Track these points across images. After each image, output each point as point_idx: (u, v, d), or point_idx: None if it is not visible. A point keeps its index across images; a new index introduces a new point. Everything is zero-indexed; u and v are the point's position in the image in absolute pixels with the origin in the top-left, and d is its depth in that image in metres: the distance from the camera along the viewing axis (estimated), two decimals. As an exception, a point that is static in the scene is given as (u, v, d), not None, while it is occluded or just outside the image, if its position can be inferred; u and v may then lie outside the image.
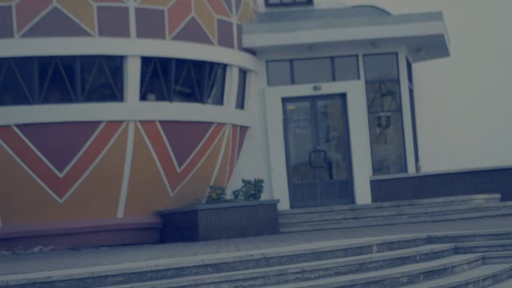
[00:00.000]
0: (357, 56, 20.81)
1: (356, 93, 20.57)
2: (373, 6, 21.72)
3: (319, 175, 20.56)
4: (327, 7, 21.90)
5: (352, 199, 20.34)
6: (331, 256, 10.39)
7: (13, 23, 16.89)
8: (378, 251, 10.98)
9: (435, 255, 11.35)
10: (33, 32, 16.97)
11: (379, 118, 21.07)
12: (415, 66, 23.09)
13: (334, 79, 20.78)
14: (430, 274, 10.36)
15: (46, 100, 17.08)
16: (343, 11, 21.46)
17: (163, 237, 18.35)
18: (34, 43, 16.97)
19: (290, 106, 20.71)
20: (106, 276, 9.09)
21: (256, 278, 9.45)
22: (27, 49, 16.96)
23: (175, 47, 18.22)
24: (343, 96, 20.69)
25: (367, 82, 20.82)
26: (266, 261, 9.87)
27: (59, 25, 17.07)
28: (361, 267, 10.21)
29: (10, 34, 16.91)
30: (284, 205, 19.72)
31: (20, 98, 17.00)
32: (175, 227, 17.89)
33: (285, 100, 20.61)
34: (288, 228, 18.19)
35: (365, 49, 20.74)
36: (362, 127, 20.50)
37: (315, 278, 9.76)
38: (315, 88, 20.57)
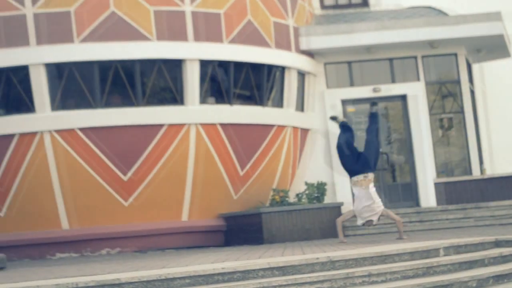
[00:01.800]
0: (416, 57, 20.67)
1: (416, 94, 20.44)
2: (430, 7, 21.55)
3: (382, 177, 20.45)
4: (383, 9, 21.78)
5: (416, 202, 20.18)
6: (398, 259, 10.30)
7: (72, 28, 17.07)
8: (445, 255, 10.86)
9: (504, 258, 11.17)
10: (93, 37, 17.14)
11: (441, 120, 20.89)
12: (481, 66, 22.82)
13: (393, 81, 20.68)
14: (499, 278, 10.21)
15: (107, 104, 17.24)
16: (399, 12, 21.32)
17: (227, 240, 18.39)
18: (94, 47, 17.14)
19: (350, 109, 20.64)
20: (174, 279, 9.14)
21: (323, 281, 9.42)
22: (88, 54, 17.13)
23: (233, 50, 18.27)
24: (403, 98, 20.57)
25: (427, 84, 20.68)
26: (332, 264, 9.83)
27: (117, 29, 17.22)
28: (428, 271, 10.10)
29: (70, 39, 17.09)
30: (348, 208, 19.62)
31: (83, 102, 17.19)
32: (239, 230, 17.91)
33: (344, 102, 20.55)
34: (352, 231, 18.07)
35: (424, 50, 20.60)
36: (424, 129, 20.35)
37: (382, 281, 9.69)
38: (374, 90, 20.48)
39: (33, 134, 16.95)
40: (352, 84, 20.71)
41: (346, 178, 20.15)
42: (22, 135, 16.96)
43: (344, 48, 20.23)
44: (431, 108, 20.68)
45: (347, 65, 20.74)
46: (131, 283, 8.96)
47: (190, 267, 9.72)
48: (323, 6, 21.92)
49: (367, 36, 20.05)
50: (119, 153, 17.10)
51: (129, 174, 17.24)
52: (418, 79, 20.63)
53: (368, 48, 20.35)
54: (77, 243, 17.15)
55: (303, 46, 19.96)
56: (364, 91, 20.51)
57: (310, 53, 20.25)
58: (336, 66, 20.70)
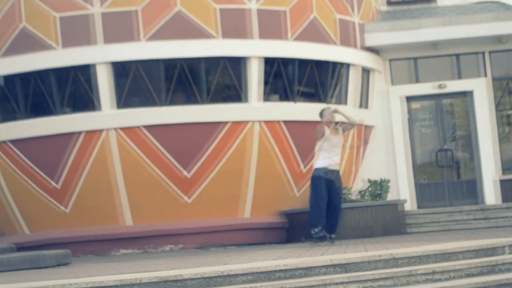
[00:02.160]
0: (483, 53, 20.40)
1: (482, 90, 20.18)
2: (497, 2, 21.24)
3: (446, 174, 20.25)
4: (450, 4, 21.53)
5: (480, 199, 19.93)
6: (461, 257, 10.17)
7: (139, 27, 17.24)
8: (510, 253, 10.69)
9: None
10: (158, 36, 17.28)
11: (508, 116, 20.60)
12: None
13: (459, 77, 20.45)
14: None
15: (172, 102, 17.38)
16: (466, 8, 21.06)
17: (289, 236, 18.39)
18: (159, 46, 17.27)
19: (415, 105, 20.49)
20: (236, 275, 9.17)
21: (385, 278, 9.36)
22: (153, 52, 17.27)
23: (297, 48, 18.25)
24: (469, 94, 20.32)
25: (493, 80, 20.39)
26: (395, 261, 9.76)
27: (182, 28, 17.33)
28: (493, 269, 9.96)
29: (136, 38, 17.27)
30: (410, 205, 19.51)
31: (147, 100, 17.35)
32: (300, 227, 17.88)
33: (409, 99, 20.39)
34: (415, 229, 17.95)
35: (491, 46, 20.33)
36: (489, 125, 20.09)
37: (446, 279, 9.59)
38: (439, 87, 20.28)
39: (99, 132, 17.15)
40: (417, 80, 20.54)
41: (409, 176, 20.16)
42: (88, 133, 17.18)
43: (409, 44, 20.07)
44: (497, 105, 20.40)
45: (412, 62, 20.58)
46: (193, 279, 9.02)
47: (252, 264, 9.74)
48: (389, 2, 21.77)
49: (433, 32, 19.85)
50: (182, 151, 17.21)
51: (192, 171, 17.34)
52: (485, 75, 20.37)
53: (434, 44, 20.17)
54: (140, 240, 17.30)
55: (368, 42, 19.85)
56: (429, 88, 20.32)
57: (375, 50, 20.14)
58: (401, 62, 20.55)
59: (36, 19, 17.39)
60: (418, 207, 19.82)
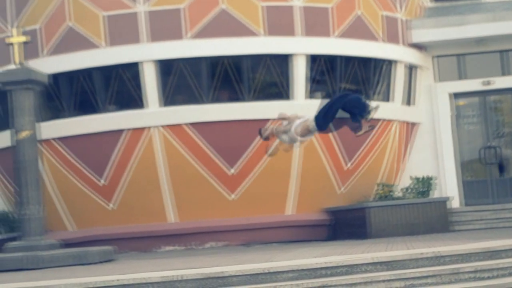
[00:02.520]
0: (530, 49, 20.20)
1: (529, 87, 19.97)
2: (545, -3, 20.97)
3: (491, 172, 20.05)
4: (496, 0, 21.29)
5: (526, 197, 19.73)
6: (505, 255, 10.08)
7: (182, 25, 17.32)
8: (555, 251, 10.57)
9: None
10: (202, 34, 17.33)
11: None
12: None
13: (504, 73, 20.22)
14: None
15: (216, 99, 17.43)
16: (513, 4, 20.82)
17: (331, 234, 18.35)
18: (204, 44, 17.33)
19: (459, 102, 20.30)
20: (278, 272, 9.20)
21: (428, 277, 9.33)
22: (197, 50, 17.34)
23: (342, 45, 18.19)
24: (515, 90, 20.13)
25: (540, 77, 20.16)
26: (438, 259, 9.71)
27: (226, 26, 17.37)
28: (538, 268, 9.87)
29: (180, 36, 17.34)
30: (454, 202, 19.33)
31: (192, 98, 17.41)
32: (343, 224, 17.85)
33: (455, 96, 20.21)
34: (459, 226, 17.79)
35: (539, 41, 20.10)
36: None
37: (489, 278, 9.52)
38: (486, 83, 20.07)
39: (143, 129, 17.26)
40: (462, 77, 20.34)
41: (454, 173, 19.99)
42: (133, 130, 17.30)
43: (455, 41, 19.89)
44: (543, 101, 20.19)
45: (457, 58, 20.38)
46: (236, 276, 9.06)
47: (294, 261, 9.75)
48: (435, -2, 21.61)
49: (479, 28, 19.67)
50: (227, 148, 17.25)
51: (235, 168, 17.38)
52: (532, 71, 20.18)
53: (480, 40, 19.97)
54: (183, 237, 17.36)
55: (414, 39, 19.71)
56: (474, 84, 20.13)
57: (419, 46, 19.99)
58: (447, 59, 20.37)
59: (84, 18, 17.55)
60: (463, 204, 19.66)
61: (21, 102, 13.94)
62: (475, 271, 9.51)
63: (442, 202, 17.79)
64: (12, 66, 15.13)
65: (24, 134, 13.79)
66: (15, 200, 14.21)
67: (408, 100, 19.87)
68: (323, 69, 18.12)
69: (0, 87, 14.71)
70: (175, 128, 17.20)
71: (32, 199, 13.61)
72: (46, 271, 11.67)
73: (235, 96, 17.52)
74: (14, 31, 14.35)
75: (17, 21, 17.92)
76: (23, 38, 14.30)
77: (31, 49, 16.77)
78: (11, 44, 14.41)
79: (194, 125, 17.22)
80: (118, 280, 8.82)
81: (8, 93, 14.34)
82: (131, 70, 17.43)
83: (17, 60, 14.22)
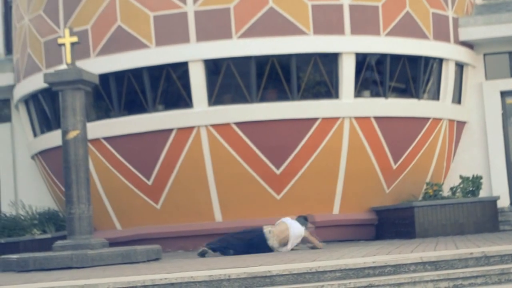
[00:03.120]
0: None
1: None
2: None
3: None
4: (549, -4, 21.06)
5: None
6: (555, 255, 9.97)
7: (231, 24, 17.38)
8: None
9: None
10: (251, 33, 17.37)
11: None
12: None
13: (556, 71, 20.03)
14: None
15: (263, 99, 17.47)
16: None
17: (378, 233, 18.30)
18: (252, 43, 17.36)
19: (510, 100, 20.11)
20: (324, 272, 9.17)
21: (477, 277, 9.24)
22: (245, 49, 17.37)
23: (390, 43, 18.10)
24: None
25: None
26: (486, 259, 9.61)
27: (275, 24, 17.39)
28: None
29: (228, 35, 17.40)
30: (504, 202, 19.17)
31: (238, 97, 17.47)
32: (390, 223, 17.77)
33: (504, 94, 20.03)
34: (509, 226, 17.64)
35: None
36: None
37: (539, 278, 9.42)
38: (534, 82, 19.89)
39: (190, 128, 17.34)
40: (512, 75, 20.18)
41: (503, 172, 19.78)
42: (180, 130, 17.40)
43: (505, 38, 19.71)
44: None
45: (508, 56, 20.19)
46: (282, 275, 9.06)
47: (340, 261, 9.73)
48: (484, -4, 21.42)
49: (530, 26, 19.45)
50: (273, 147, 17.28)
51: (282, 167, 17.39)
52: None
53: (531, 38, 19.77)
54: (230, 236, 17.47)
55: (463, 37, 19.55)
56: (523, 83, 19.97)
57: (469, 44, 19.83)
58: (496, 56, 20.18)
59: (131, 18, 17.70)
60: (512, 204, 19.51)
61: (72, 102, 14.08)
62: (524, 272, 9.40)
63: (491, 202, 17.63)
64: (61, 67, 15.31)
65: (74, 133, 13.94)
66: (64, 199, 14.36)
67: (458, 98, 19.73)
68: (370, 67, 18.07)
69: (50, 87, 14.89)
70: (222, 127, 17.26)
71: (81, 198, 13.75)
72: (94, 270, 11.78)
73: (282, 96, 17.54)
74: (66, 31, 14.50)
75: (67, 22, 18.15)
76: (74, 39, 14.45)
77: (81, 49, 17.00)
78: (63, 44, 14.56)
79: (240, 124, 17.27)
80: (166, 278, 8.88)
81: (60, 93, 14.49)
82: (179, 69, 17.55)
83: (68, 60, 14.37)
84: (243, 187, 17.31)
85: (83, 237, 13.57)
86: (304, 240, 14.80)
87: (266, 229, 14.52)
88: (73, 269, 12.35)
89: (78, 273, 11.01)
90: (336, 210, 17.89)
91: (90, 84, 14.56)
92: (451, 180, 19.14)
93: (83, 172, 13.83)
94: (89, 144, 15.75)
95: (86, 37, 17.81)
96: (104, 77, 17.33)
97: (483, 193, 18.66)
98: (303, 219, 14.87)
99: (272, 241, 14.36)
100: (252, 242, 14.37)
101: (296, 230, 14.54)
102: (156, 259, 13.89)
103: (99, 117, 18.09)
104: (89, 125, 15.12)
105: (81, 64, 16.12)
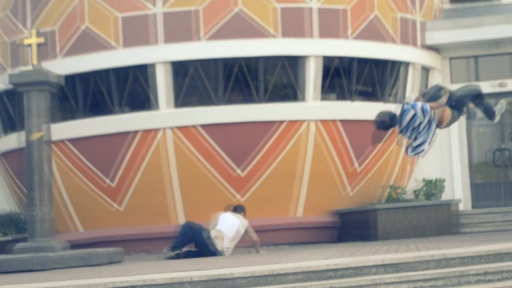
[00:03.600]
0: (544, 51, 20.13)
1: (544, 89, 19.89)
2: None
3: (503, 174, 19.98)
4: (515, 1, 21.24)
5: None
6: (515, 257, 10.05)
7: (199, 26, 17.36)
8: None
9: None
10: (218, 35, 17.36)
11: None
12: None
13: (520, 75, 20.20)
14: None
15: (229, 101, 17.46)
16: (531, 5, 20.75)
17: (341, 236, 18.35)
18: (219, 45, 17.36)
19: (473, 104, 20.20)
20: (286, 274, 9.16)
21: (437, 279, 9.27)
22: (212, 52, 17.38)
23: (357, 47, 18.18)
24: (530, 93, 20.05)
25: (556, 78, 20.10)
26: (447, 262, 9.65)
27: (242, 27, 17.40)
28: (547, 270, 9.81)
29: (196, 38, 17.38)
30: (465, 205, 19.30)
31: (204, 99, 17.46)
32: (353, 226, 17.83)
33: (469, 98, 20.14)
34: (470, 229, 17.78)
35: (556, 43, 20.01)
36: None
37: (498, 280, 9.45)
38: (500, 85, 20.02)
39: (156, 130, 17.31)
40: (477, 79, 20.29)
41: (465, 175, 19.88)
42: (144, 132, 17.36)
43: (471, 43, 19.86)
44: (558, 104, 20.09)
45: (473, 60, 20.34)
46: (244, 277, 9.03)
47: (303, 263, 9.73)
48: (451, 0, 21.54)
49: (496, 30, 19.63)
50: (237, 150, 17.28)
51: (247, 170, 17.40)
52: (547, 74, 20.10)
53: (496, 42, 19.93)
54: (191, 238, 17.43)
55: (430, 41, 19.68)
56: (488, 86, 20.01)
57: (435, 48, 19.96)
58: (461, 61, 20.34)
59: (99, 20, 17.63)
60: (473, 207, 19.61)
61: (36, 103, 13.98)
62: (484, 273, 9.44)
63: (453, 204, 17.76)
64: (23, 68, 15.21)
65: (37, 135, 13.85)
66: (26, 201, 14.26)
67: (422, 102, 19.80)
68: (336, 71, 18.11)
69: (12, 88, 14.78)
70: (186, 129, 17.25)
71: (43, 200, 13.66)
72: (55, 272, 11.70)
73: (248, 98, 17.55)
74: (33, 32, 14.42)
75: (34, 23, 18.04)
76: (40, 40, 14.37)
77: (47, 50, 16.90)
78: (28, 45, 14.47)
79: (206, 126, 17.27)
80: (127, 281, 8.83)
81: (24, 94, 14.38)
82: (145, 71, 17.51)
83: (34, 61, 14.28)
84: (207, 189, 17.28)
85: (44, 239, 13.46)
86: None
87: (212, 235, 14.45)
88: (34, 272, 12.26)
89: (39, 276, 10.94)
90: (299, 212, 17.92)
91: (55, 85, 14.48)
92: (413, 183, 19.23)
93: (46, 174, 13.73)
94: (53, 146, 15.65)
95: (52, 38, 17.72)
96: (69, 78, 17.24)
97: (445, 196, 18.78)
98: (239, 208, 14.87)
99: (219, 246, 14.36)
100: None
101: (229, 223, 14.50)
102: (118, 262, 13.81)
103: (63, 119, 17.99)
104: (54, 127, 15.02)
105: (47, 65, 16.02)
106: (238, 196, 17.44)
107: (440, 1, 20.83)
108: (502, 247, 10.15)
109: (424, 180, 18.43)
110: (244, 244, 15.12)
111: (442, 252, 9.83)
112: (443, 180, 18.28)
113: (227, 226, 14.46)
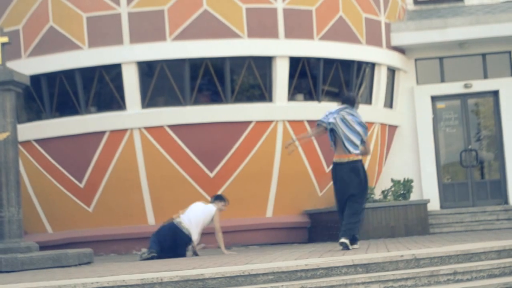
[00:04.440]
0: (509, 52, 20.31)
1: (509, 90, 20.08)
2: (526, 1, 21.11)
3: (471, 174, 20.17)
4: (478, 3, 21.43)
5: (505, 200, 19.83)
6: (484, 258, 10.12)
7: (165, 26, 17.31)
8: (533, 254, 10.64)
9: None
10: (185, 35, 17.33)
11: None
12: None
13: (485, 76, 20.36)
14: None
15: (196, 101, 17.45)
16: (495, 7, 20.93)
17: (311, 236, 18.41)
18: (186, 45, 17.33)
19: (440, 105, 20.42)
20: (257, 275, 9.17)
21: (407, 279, 9.33)
22: (179, 52, 17.32)
23: (323, 47, 18.24)
24: (495, 93, 20.23)
25: (521, 79, 20.32)
26: (416, 262, 9.73)
27: (209, 27, 17.38)
28: (515, 270, 9.93)
29: (162, 38, 17.33)
30: (434, 205, 19.44)
31: (172, 100, 17.42)
32: (323, 226, 17.88)
33: (434, 99, 20.34)
34: (438, 229, 17.90)
35: (519, 45, 20.24)
36: (516, 125, 20.02)
37: (467, 280, 9.55)
38: (465, 86, 20.20)
39: (123, 131, 17.24)
40: (442, 80, 20.47)
41: (433, 175, 20.05)
42: (112, 132, 17.28)
43: (436, 44, 20.01)
44: (523, 104, 20.32)
45: (438, 61, 20.51)
46: (214, 278, 9.02)
47: (273, 264, 9.75)
48: (416, 2, 21.72)
49: (461, 31, 19.79)
50: (206, 150, 17.26)
51: (216, 170, 17.39)
52: (511, 75, 20.25)
53: (461, 44, 20.09)
54: (161, 238, 17.39)
55: (395, 42, 19.80)
56: (454, 87, 20.26)
57: (401, 49, 20.09)
58: (427, 62, 20.49)
59: (64, 19, 17.52)
60: (441, 207, 19.78)
61: (1, 103, 13.80)
62: (453, 273, 9.53)
63: (422, 205, 17.88)
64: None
65: (3, 135, 13.71)
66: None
67: (390, 103, 19.96)
68: (304, 71, 18.17)
69: None
70: (154, 130, 17.19)
71: (11, 201, 13.51)
72: (24, 274, 11.60)
73: (216, 99, 17.54)
74: (-3, 31, 14.26)
75: (-3, 22, 17.91)
76: (5, 39, 14.20)
77: (12, 50, 16.73)
78: (-7, 44, 14.30)
79: (174, 127, 17.23)
80: (97, 282, 8.78)
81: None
82: (112, 71, 17.43)
83: (-1, 61, 14.12)
84: (176, 190, 17.25)
85: (12, 240, 13.32)
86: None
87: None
88: (2, 273, 12.14)
89: (7, 277, 10.84)
90: (269, 213, 17.94)
91: (21, 85, 14.33)
92: (383, 184, 19.36)
93: (13, 174, 13.59)
94: (20, 146, 15.52)
95: (17, 37, 17.57)
96: (35, 78, 17.13)
97: (414, 196, 18.91)
98: (220, 197, 14.87)
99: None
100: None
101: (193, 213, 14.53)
102: (88, 263, 13.73)
103: (30, 119, 17.88)
104: (20, 127, 14.91)
105: (12, 65, 15.89)
106: (207, 197, 17.42)
107: (404, 3, 20.96)
108: (471, 247, 10.26)
109: (392, 180, 18.54)
110: (215, 246, 15.10)
111: (412, 252, 9.90)
112: (411, 181, 18.41)
113: (192, 216, 14.48)
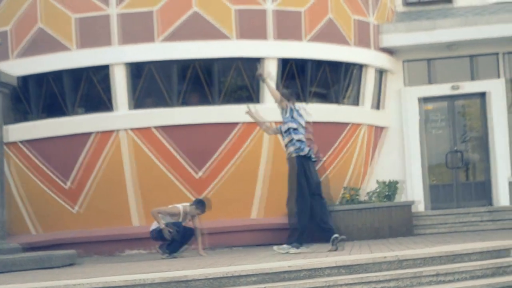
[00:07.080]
0: (497, 54, 20.33)
1: (496, 92, 20.11)
2: (515, 3, 21.13)
3: (456, 176, 20.22)
4: (467, 5, 21.45)
5: (489, 201, 19.88)
6: (467, 259, 10.18)
7: (154, 27, 17.32)
8: (515, 255, 10.70)
9: None
10: (174, 36, 17.33)
11: (522, 117, 20.52)
12: None
13: (473, 78, 20.40)
14: None
15: (185, 103, 17.45)
16: (484, 8, 20.96)
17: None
18: (175, 47, 17.32)
19: (427, 106, 20.46)
20: (240, 276, 9.20)
21: (390, 280, 9.38)
22: (168, 53, 17.32)
23: (313, 49, 18.25)
24: (482, 95, 20.27)
25: (507, 81, 20.32)
26: (399, 263, 9.77)
27: (199, 29, 17.38)
28: (498, 271, 9.97)
29: (151, 39, 17.33)
30: (419, 206, 19.48)
31: (161, 101, 17.42)
32: (309, 228, 17.87)
33: (422, 100, 20.37)
34: (423, 230, 17.94)
35: (507, 47, 20.23)
36: (502, 127, 20.01)
37: (450, 281, 9.61)
38: (453, 88, 20.24)
39: (110, 132, 17.22)
40: (430, 81, 20.50)
41: (419, 177, 20.08)
42: (100, 133, 17.26)
43: (424, 45, 20.02)
44: (510, 106, 20.32)
45: (427, 63, 20.54)
46: (198, 280, 9.05)
47: (257, 265, 9.77)
48: (405, 3, 21.73)
49: (449, 33, 19.80)
50: (194, 151, 17.24)
51: (202, 171, 17.40)
52: (499, 76, 20.30)
53: (450, 45, 20.12)
54: (147, 240, 17.24)
55: (383, 43, 19.83)
56: (442, 89, 20.29)
57: (389, 51, 20.11)
58: (416, 63, 20.51)
59: (53, 20, 17.50)
60: (426, 208, 19.79)
61: (-11, 104, 13.86)
62: (435, 275, 9.58)
63: (407, 206, 17.92)
64: (-23, 69, 15.07)
65: (-10, 136, 13.73)
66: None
67: (377, 104, 19.99)
68: (292, 72, 18.18)
69: None
70: (143, 131, 17.18)
71: (-5, 202, 13.56)
72: (8, 275, 11.61)
73: (204, 100, 17.53)
74: (-14, 32, 14.30)
75: (-14, 23, 17.89)
76: (-4, 40, 14.25)
77: (0, 51, 16.76)
78: (-18, 45, 14.35)
79: (162, 128, 17.22)
80: (80, 284, 8.80)
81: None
82: (101, 72, 17.42)
83: (-12, 62, 14.16)
84: (163, 191, 17.22)
85: (-4, 242, 13.36)
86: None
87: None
88: (-14, 275, 12.15)
89: (-8, 279, 10.85)
90: (254, 214, 17.94)
91: (8, 86, 14.37)
92: (370, 185, 19.39)
93: (-2, 175, 13.62)
94: (7, 147, 15.54)
95: (5, 38, 17.57)
96: (23, 79, 17.11)
97: (399, 198, 18.94)
98: (199, 203, 14.93)
99: None
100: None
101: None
102: (73, 264, 13.74)
103: (17, 120, 17.84)
104: (7, 128, 14.92)
105: (0, 65, 15.90)
106: (192, 198, 17.40)
107: (393, 4, 20.99)
108: (453, 249, 10.31)
109: (378, 182, 18.57)
110: (202, 246, 15.11)
111: (395, 254, 9.95)
112: (396, 182, 18.45)
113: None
